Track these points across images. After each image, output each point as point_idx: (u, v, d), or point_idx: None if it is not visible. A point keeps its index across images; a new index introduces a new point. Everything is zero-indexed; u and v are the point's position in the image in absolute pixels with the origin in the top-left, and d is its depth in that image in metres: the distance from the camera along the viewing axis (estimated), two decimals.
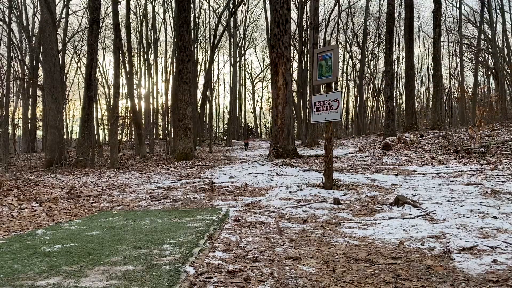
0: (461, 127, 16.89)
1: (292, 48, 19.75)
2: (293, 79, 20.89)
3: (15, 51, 19.92)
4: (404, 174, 5.85)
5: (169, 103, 18.73)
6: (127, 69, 14.68)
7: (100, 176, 7.56)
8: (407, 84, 18.38)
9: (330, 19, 30.20)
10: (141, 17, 27.12)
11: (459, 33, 27.09)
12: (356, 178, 5.47)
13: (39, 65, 19.05)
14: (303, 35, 22.82)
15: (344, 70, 35.53)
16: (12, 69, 18.97)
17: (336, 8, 29.37)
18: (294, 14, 22.00)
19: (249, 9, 41.26)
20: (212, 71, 30.28)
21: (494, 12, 24.52)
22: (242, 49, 36.18)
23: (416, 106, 22.77)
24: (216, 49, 25.01)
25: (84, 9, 21.08)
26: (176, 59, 13.53)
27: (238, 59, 32.04)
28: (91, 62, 10.61)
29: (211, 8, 30.24)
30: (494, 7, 24.29)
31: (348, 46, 34.71)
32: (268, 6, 21.56)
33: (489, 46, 24.92)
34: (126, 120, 19.09)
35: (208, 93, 27.17)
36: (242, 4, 27.47)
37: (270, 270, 1.73)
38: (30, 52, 20.41)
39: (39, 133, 22.56)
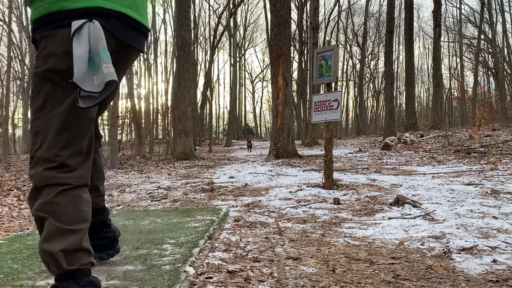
0: (461, 127, 16.90)
1: (292, 48, 19.74)
2: (293, 79, 20.89)
3: (15, 51, 19.92)
4: (404, 174, 5.85)
5: (169, 103, 18.73)
6: None
7: None
8: (407, 84, 18.39)
9: (330, 19, 30.22)
10: None
11: (459, 33, 27.10)
12: (356, 178, 5.47)
13: None
14: (303, 35, 22.82)
15: (344, 70, 35.53)
16: (12, 69, 18.96)
17: (336, 8, 29.39)
18: (294, 14, 22.00)
19: (249, 9, 41.22)
20: (212, 71, 30.29)
21: (494, 12, 24.53)
22: (242, 49, 36.19)
23: (416, 106, 22.78)
24: (216, 49, 25.02)
25: None
26: (176, 59, 13.53)
27: (238, 59, 32.05)
28: None
29: (211, 8, 30.27)
30: (494, 7, 24.30)
31: (348, 46, 34.72)
32: (268, 6, 21.58)
33: (489, 46, 24.92)
34: (126, 120, 19.11)
35: (208, 93, 27.18)
36: (242, 4, 27.48)
37: (270, 270, 1.73)
38: (30, 52, 20.40)
39: None
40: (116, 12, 1.15)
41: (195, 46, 24.01)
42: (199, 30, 28.89)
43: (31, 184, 1.13)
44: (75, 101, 1.08)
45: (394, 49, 21.09)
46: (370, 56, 34.61)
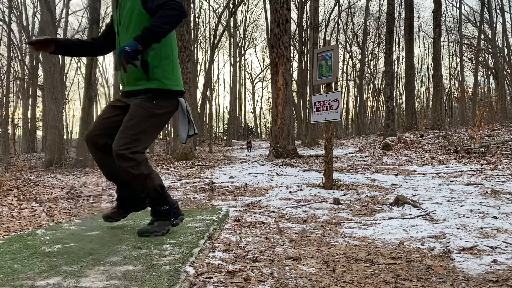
0: (461, 127, 16.90)
1: (292, 48, 19.72)
2: (293, 79, 20.88)
3: (15, 51, 19.89)
4: (404, 174, 5.85)
5: None
6: None
7: (101, 176, 7.57)
8: (407, 84, 18.39)
9: (330, 19, 30.23)
10: None
11: (459, 33, 27.10)
12: (356, 178, 5.47)
13: (39, 65, 19.03)
14: (303, 35, 22.82)
15: (344, 70, 35.50)
16: (12, 69, 18.96)
17: (336, 8, 29.42)
18: (294, 14, 22.00)
19: (249, 9, 41.25)
20: (212, 71, 30.29)
21: (494, 12, 24.53)
22: (242, 49, 36.18)
23: (416, 106, 22.77)
24: (216, 49, 25.02)
25: (84, 9, 21.11)
26: None
27: (238, 59, 32.04)
28: (91, 62, 10.62)
29: (211, 8, 30.28)
30: (494, 7, 24.30)
31: (348, 46, 34.72)
32: (268, 6, 21.56)
33: (489, 46, 24.92)
34: None
35: (208, 93, 27.18)
36: (242, 4, 27.48)
37: (270, 270, 1.73)
38: (30, 52, 20.38)
39: (39, 133, 22.54)
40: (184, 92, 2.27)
41: (195, 46, 24.00)
42: (199, 30, 28.90)
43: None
44: (160, 130, 2.28)
45: (394, 49, 21.09)
46: (370, 56, 34.60)
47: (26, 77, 19.57)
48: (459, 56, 27.92)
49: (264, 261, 1.88)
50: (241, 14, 35.83)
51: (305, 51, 22.59)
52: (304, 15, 22.83)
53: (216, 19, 25.42)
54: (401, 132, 15.83)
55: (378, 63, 35.12)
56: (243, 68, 38.91)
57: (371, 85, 36.74)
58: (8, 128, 14.97)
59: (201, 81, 29.23)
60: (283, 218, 3.07)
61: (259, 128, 47.79)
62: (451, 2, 29.40)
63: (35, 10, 21.37)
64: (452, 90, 31.20)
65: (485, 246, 2.04)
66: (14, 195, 4.58)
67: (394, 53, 20.49)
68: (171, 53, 2.15)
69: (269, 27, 16.14)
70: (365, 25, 28.59)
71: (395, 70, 29.85)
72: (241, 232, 2.53)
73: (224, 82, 43.83)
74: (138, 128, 2.05)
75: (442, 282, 1.58)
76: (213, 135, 31.09)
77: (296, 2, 22.89)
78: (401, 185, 4.63)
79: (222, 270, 1.70)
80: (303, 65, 21.98)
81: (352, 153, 11.21)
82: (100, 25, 13.55)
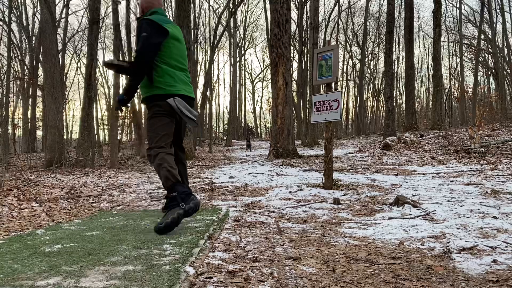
0: (461, 127, 16.89)
1: (292, 48, 19.72)
2: (293, 79, 20.88)
3: (15, 51, 19.88)
4: (404, 174, 5.85)
5: None
6: None
7: (100, 176, 7.57)
8: (407, 84, 18.37)
9: (330, 19, 30.23)
10: None
11: (459, 33, 27.08)
12: (356, 178, 5.47)
13: (39, 65, 19.02)
14: (303, 35, 22.82)
15: (344, 70, 35.49)
16: (12, 69, 18.94)
17: (336, 8, 29.41)
18: (294, 14, 22.00)
19: (249, 9, 41.25)
20: (212, 71, 30.27)
21: (494, 12, 24.50)
22: (242, 49, 36.18)
23: (416, 106, 22.75)
24: (216, 49, 25.01)
25: (84, 9, 21.11)
26: None
27: (238, 59, 32.03)
28: (91, 62, 10.61)
29: (211, 8, 30.27)
30: (494, 7, 24.27)
31: (348, 46, 34.70)
32: (268, 6, 21.55)
33: (489, 46, 24.90)
34: (126, 120, 19.08)
35: (208, 93, 27.16)
36: (242, 4, 27.48)
37: (270, 270, 1.73)
38: (30, 52, 20.37)
39: (39, 133, 22.52)
40: (181, 94, 2.57)
41: (195, 46, 23.98)
42: (199, 30, 28.86)
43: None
44: (170, 124, 2.57)
45: (394, 49, 21.09)
46: (370, 56, 34.60)
47: (26, 77, 19.56)
48: (459, 56, 27.91)
49: (264, 261, 1.88)
50: (241, 14, 35.87)
51: (305, 51, 22.59)
52: (304, 15, 22.83)
53: (216, 19, 25.40)
54: (401, 132, 15.83)
55: (378, 63, 35.12)
56: (243, 68, 38.95)
57: (371, 85, 36.73)
58: (8, 128, 14.96)
59: (201, 81, 29.19)
60: (283, 218, 3.06)
61: (259, 128, 47.78)
62: (451, 2, 29.42)
63: (35, 10, 21.38)
64: (452, 90, 31.21)
65: (485, 246, 2.04)
66: (14, 195, 4.58)
67: (394, 53, 20.50)
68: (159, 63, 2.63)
69: (269, 27, 16.13)
70: (365, 25, 28.59)
71: (395, 70, 29.85)
72: (241, 232, 2.53)
73: (224, 82, 43.87)
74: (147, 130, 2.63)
75: (442, 282, 1.58)
76: (213, 135, 31.07)
77: (296, 2, 22.90)
78: (401, 185, 4.63)
79: (222, 270, 1.70)
80: (303, 65, 21.98)
81: (352, 153, 11.21)
82: (100, 25, 13.55)
